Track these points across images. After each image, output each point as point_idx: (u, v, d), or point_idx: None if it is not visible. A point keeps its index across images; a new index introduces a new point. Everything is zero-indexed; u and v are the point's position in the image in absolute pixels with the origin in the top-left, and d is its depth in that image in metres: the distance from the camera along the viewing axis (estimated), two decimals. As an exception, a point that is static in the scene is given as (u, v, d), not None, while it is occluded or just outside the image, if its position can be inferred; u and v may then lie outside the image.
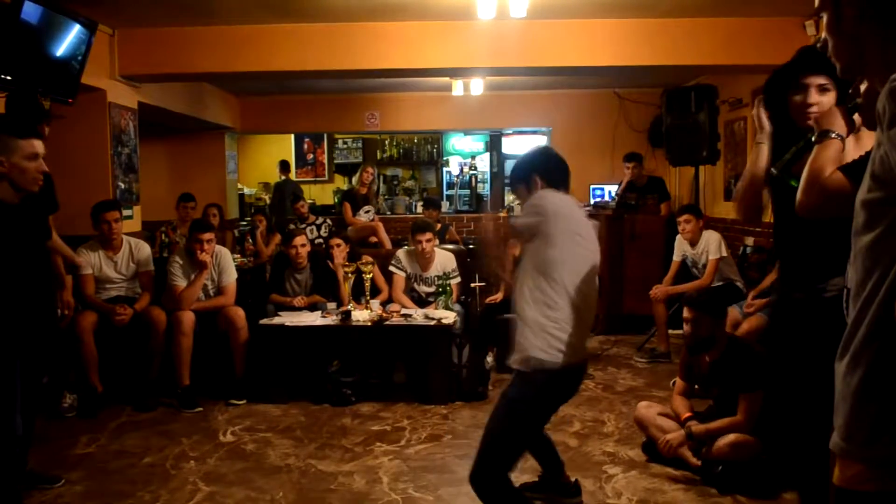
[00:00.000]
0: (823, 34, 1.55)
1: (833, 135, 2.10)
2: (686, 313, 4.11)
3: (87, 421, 5.01)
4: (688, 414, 4.03)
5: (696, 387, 4.23)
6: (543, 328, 2.77)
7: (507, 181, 12.31)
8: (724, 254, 6.16)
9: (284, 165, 10.81)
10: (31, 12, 4.61)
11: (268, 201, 11.14)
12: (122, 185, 6.41)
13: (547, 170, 3.06)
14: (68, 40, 5.08)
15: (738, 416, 3.83)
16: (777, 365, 2.72)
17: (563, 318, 2.78)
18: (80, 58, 5.23)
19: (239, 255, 7.48)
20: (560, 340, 2.77)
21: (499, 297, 6.29)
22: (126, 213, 6.08)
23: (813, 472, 2.50)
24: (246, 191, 11.59)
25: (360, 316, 5.47)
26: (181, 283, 5.53)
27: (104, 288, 5.45)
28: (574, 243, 2.86)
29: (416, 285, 6.12)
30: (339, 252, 5.99)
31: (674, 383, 4.49)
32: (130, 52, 6.25)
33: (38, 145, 3.19)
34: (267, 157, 11.13)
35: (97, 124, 6.16)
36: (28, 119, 4.06)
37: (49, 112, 4.61)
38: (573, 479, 3.58)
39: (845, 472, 1.40)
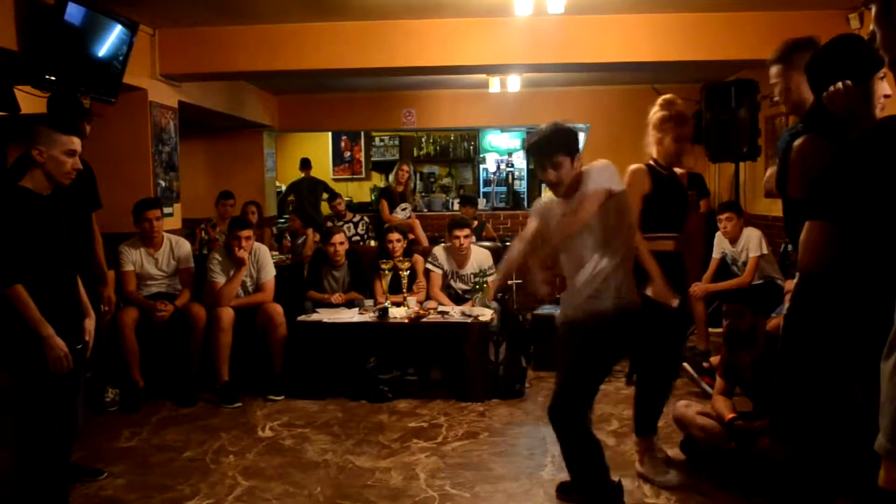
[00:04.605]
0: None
1: None
2: (724, 307, 4.04)
3: (128, 415, 5.10)
4: (732, 414, 3.93)
5: (738, 388, 4.16)
6: None
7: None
8: (765, 251, 6.06)
9: (305, 162, 10.74)
10: (74, 13, 4.68)
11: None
12: (163, 184, 6.49)
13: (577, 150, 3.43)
14: (110, 41, 5.15)
15: None
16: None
17: None
18: (121, 58, 5.31)
19: (277, 252, 7.54)
20: None
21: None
22: (167, 210, 6.16)
23: (863, 475, 2.43)
24: (284, 188, 11.67)
25: (397, 313, 5.49)
26: (220, 279, 5.60)
27: (145, 285, 5.54)
28: None
29: (452, 282, 6.12)
30: (399, 246, 6.02)
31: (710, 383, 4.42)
32: (171, 51, 6.32)
33: (77, 143, 3.30)
34: (304, 155, 11.20)
35: (138, 123, 6.24)
36: (71, 117, 4.14)
37: (89, 110, 4.68)
38: (616, 480, 3.51)
39: (891, 474, 1.37)
